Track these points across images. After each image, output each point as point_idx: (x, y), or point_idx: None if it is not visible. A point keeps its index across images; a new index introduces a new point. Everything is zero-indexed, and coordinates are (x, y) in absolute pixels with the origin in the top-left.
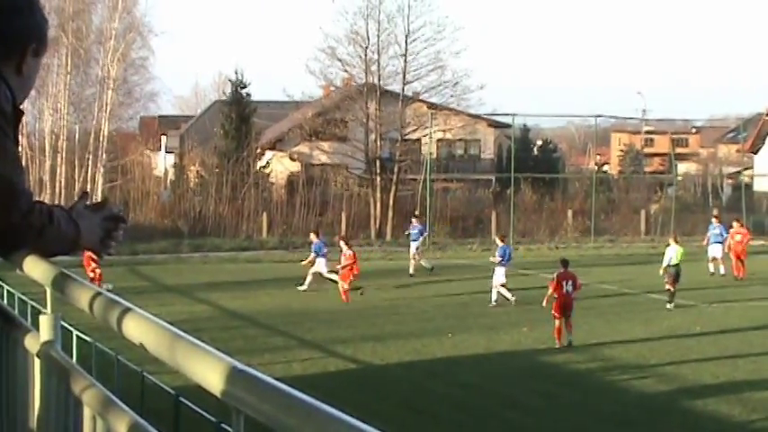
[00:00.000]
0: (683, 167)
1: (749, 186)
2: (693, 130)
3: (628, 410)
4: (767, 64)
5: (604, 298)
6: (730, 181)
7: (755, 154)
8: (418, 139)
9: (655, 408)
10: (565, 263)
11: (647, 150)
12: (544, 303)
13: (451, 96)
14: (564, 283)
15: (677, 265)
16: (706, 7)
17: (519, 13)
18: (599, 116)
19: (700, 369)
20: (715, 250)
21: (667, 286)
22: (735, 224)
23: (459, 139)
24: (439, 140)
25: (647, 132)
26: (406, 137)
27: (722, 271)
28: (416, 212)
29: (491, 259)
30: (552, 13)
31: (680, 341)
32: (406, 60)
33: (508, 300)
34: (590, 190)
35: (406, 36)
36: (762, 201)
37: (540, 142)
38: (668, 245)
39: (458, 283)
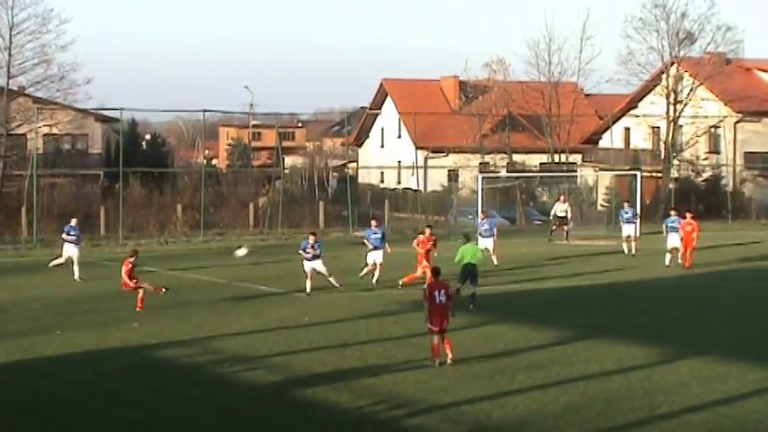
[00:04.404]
0: (289, 161)
1: (354, 179)
2: (299, 124)
3: (239, 401)
4: (367, 59)
5: (215, 291)
6: (336, 173)
7: (359, 147)
8: (24, 135)
9: (265, 398)
10: (436, 271)
11: (254, 144)
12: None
13: (58, 91)
14: (437, 294)
15: None
16: (302, 6)
17: (125, 6)
18: (206, 110)
19: (309, 358)
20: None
21: None
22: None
23: (67, 134)
24: (45, 135)
25: (255, 126)
26: (11, 132)
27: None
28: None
29: None
30: (155, 9)
31: (289, 332)
32: (10, 54)
33: None
34: (199, 184)
35: (11, 29)
36: (366, 192)
37: (148, 137)
38: None
39: (65, 280)
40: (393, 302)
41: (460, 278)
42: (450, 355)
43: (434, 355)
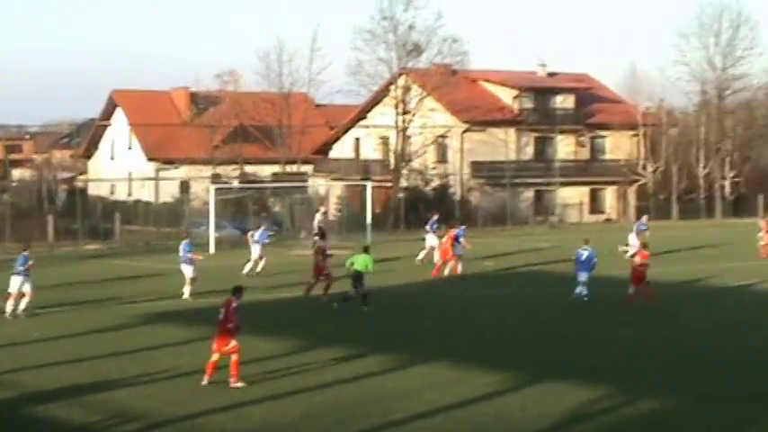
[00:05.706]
0: (17, 173)
1: (84, 191)
2: (27, 136)
3: None
4: (96, 69)
5: None
6: (65, 186)
7: (89, 159)
8: None
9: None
10: (237, 291)
11: None
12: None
13: None
14: (220, 310)
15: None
16: (25, 12)
17: None
18: None
19: (40, 374)
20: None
21: None
22: None
23: None
24: None
25: None
26: None
27: None
28: None
29: None
30: None
31: (19, 348)
32: None
33: None
34: None
35: None
36: (96, 205)
37: None
38: None
39: None
40: (124, 316)
41: (351, 283)
42: (232, 379)
43: (206, 373)
